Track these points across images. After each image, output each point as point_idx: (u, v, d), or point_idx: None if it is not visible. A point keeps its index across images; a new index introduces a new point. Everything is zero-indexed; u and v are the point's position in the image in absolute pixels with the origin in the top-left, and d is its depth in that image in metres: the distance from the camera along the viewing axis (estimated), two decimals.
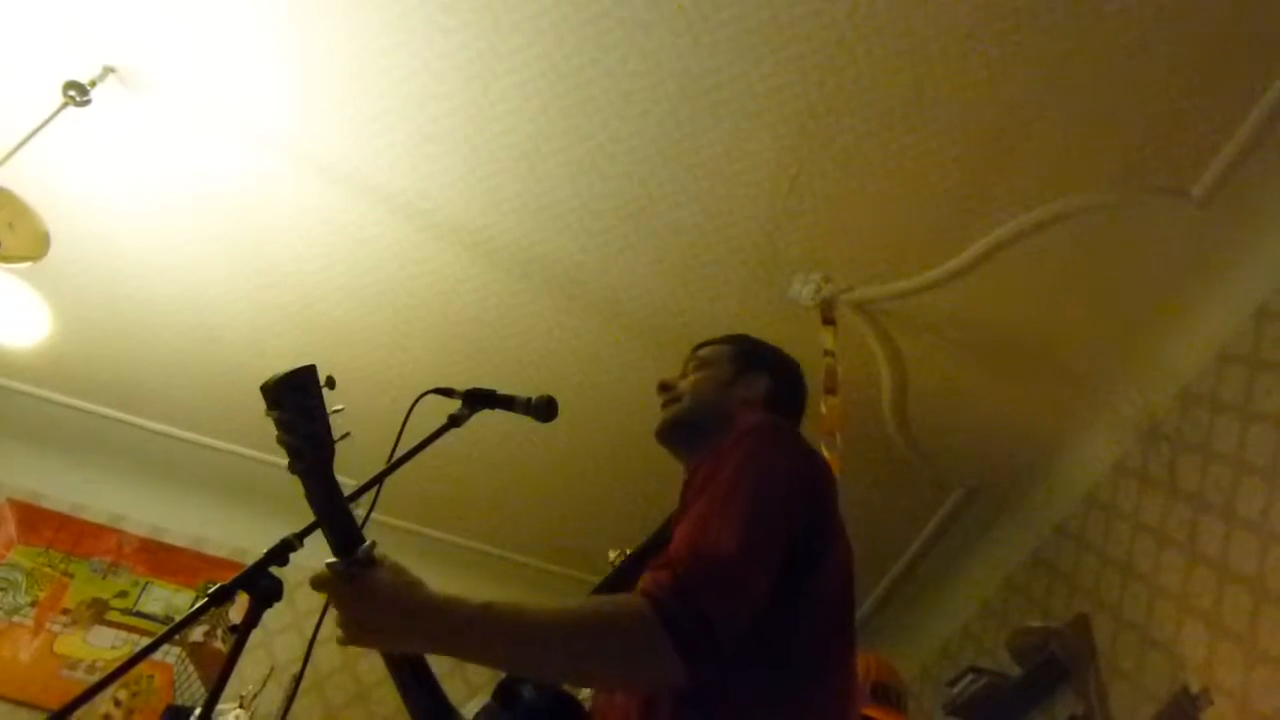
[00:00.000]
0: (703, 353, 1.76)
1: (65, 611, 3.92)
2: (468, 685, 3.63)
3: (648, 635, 1.09)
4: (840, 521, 1.42)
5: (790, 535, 1.26)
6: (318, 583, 1.12)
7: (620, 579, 1.47)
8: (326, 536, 1.13)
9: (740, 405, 1.64)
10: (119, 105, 2.92)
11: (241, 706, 3.41)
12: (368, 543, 1.13)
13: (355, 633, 1.12)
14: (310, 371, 1.10)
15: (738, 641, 1.14)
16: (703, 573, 1.15)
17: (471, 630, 1.13)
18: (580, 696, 1.40)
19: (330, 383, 1.13)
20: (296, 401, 1.09)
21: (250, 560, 1.16)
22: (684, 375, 1.74)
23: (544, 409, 1.57)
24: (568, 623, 1.14)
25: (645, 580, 1.16)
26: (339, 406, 1.14)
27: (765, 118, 2.80)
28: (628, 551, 2.33)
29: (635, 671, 1.14)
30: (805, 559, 1.27)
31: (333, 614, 1.15)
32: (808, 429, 1.68)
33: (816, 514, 1.34)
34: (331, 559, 1.12)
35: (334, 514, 1.13)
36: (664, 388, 1.72)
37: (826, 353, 3.05)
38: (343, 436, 1.14)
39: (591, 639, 1.12)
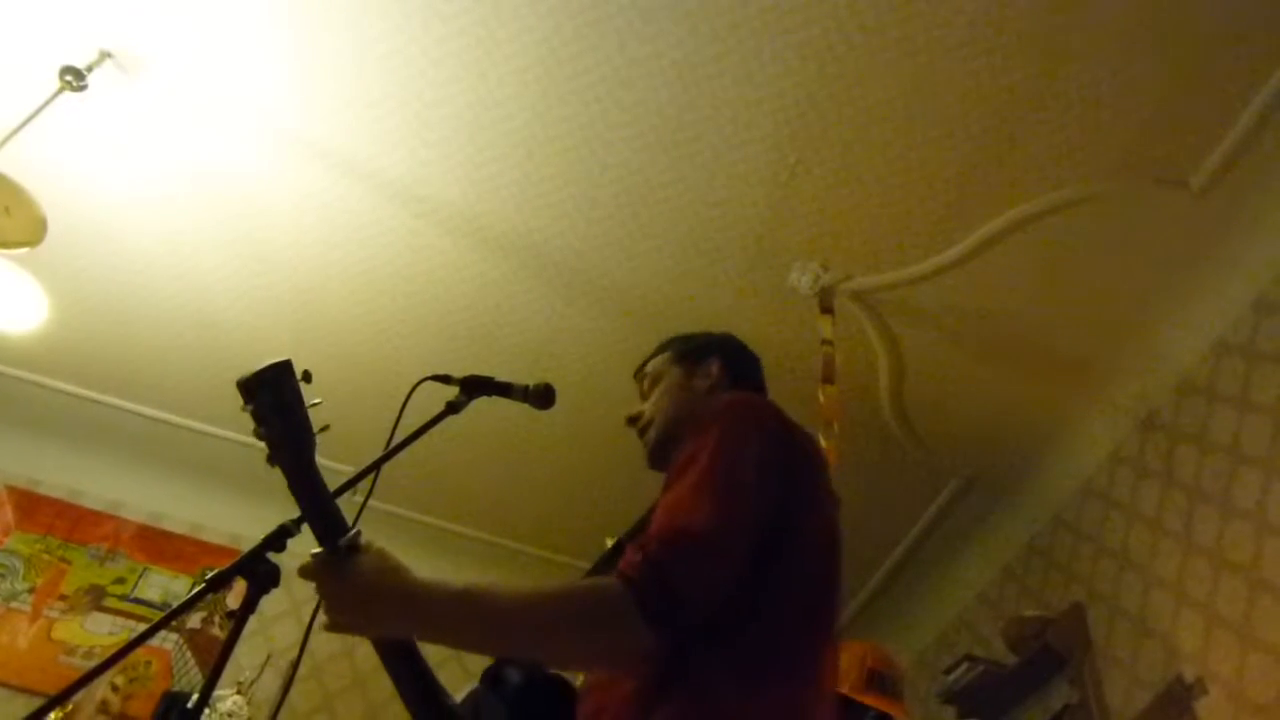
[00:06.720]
0: (647, 370, 1.78)
1: (63, 598, 3.92)
2: (465, 671, 3.64)
3: (619, 607, 1.13)
4: (822, 495, 1.41)
5: (763, 508, 1.27)
6: (304, 571, 1.15)
7: (603, 564, 1.50)
8: (311, 526, 1.16)
9: (704, 397, 1.66)
10: (116, 90, 2.91)
11: (239, 692, 3.42)
12: (353, 530, 1.15)
13: (340, 620, 1.15)
14: (285, 366, 1.13)
15: (708, 610, 1.17)
16: (672, 546, 1.18)
17: (452, 613, 1.16)
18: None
19: (306, 376, 1.15)
20: (272, 396, 1.12)
21: (247, 546, 1.17)
22: (644, 400, 1.75)
23: (541, 396, 1.57)
24: (543, 602, 1.18)
25: (622, 560, 1.19)
26: (317, 400, 1.16)
27: (765, 106, 2.79)
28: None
29: (607, 645, 1.17)
30: (775, 531, 1.27)
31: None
32: (806, 417, 1.67)
33: (792, 486, 1.33)
34: (317, 549, 1.15)
35: (317, 504, 1.16)
36: (632, 420, 1.73)
37: (824, 342, 3.04)
38: (322, 429, 1.16)
39: (566, 616, 1.16)
